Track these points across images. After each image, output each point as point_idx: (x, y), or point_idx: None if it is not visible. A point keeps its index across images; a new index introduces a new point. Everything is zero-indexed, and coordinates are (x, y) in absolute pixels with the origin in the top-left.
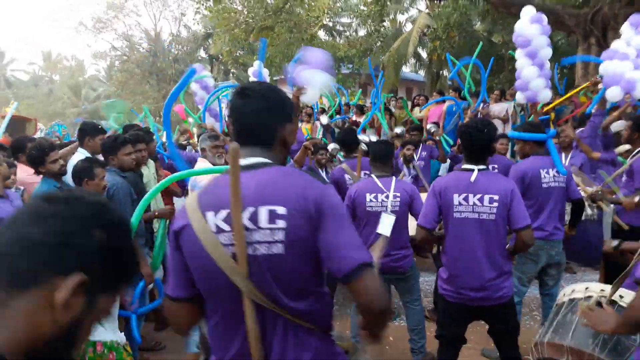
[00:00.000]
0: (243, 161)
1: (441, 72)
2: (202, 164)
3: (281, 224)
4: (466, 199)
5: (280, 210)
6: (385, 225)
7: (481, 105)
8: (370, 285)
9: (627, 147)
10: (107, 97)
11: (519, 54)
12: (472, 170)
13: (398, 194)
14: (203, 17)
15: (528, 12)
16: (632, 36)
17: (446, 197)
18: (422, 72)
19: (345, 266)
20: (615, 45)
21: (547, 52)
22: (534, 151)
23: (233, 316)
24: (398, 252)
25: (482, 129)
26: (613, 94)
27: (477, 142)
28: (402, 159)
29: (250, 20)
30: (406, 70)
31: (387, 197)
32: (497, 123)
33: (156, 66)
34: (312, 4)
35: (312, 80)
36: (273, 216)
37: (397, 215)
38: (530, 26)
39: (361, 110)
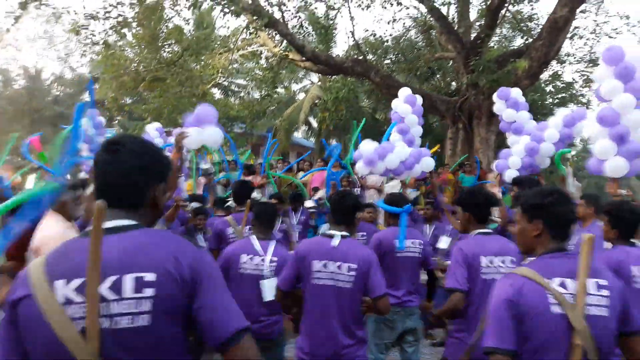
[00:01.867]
0: (106, 223)
1: (330, 140)
2: (51, 218)
3: (149, 292)
4: (325, 265)
5: (149, 277)
6: (269, 291)
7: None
8: (248, 353)
9: None
10: None
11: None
12: (334, 236)
13: (275, 259)
14: (91, 61)
15: (404, 92)
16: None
17: (306, 262)
18: (312, 139)
19: (222, 333)
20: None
21: (418, 130)
22: (393, 222)
23: None
24: (269, 318)
25: (346, 195)
26: None
27: (342, 206)
28: None
29: (142, 69)
30: (298, 135)
31: (263, 260)
32: (373, 192)
33: (31, 105)
34: (208, 61)
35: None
36: (140, 284)
37: None
38: (404, 105)
39: (249, 169)
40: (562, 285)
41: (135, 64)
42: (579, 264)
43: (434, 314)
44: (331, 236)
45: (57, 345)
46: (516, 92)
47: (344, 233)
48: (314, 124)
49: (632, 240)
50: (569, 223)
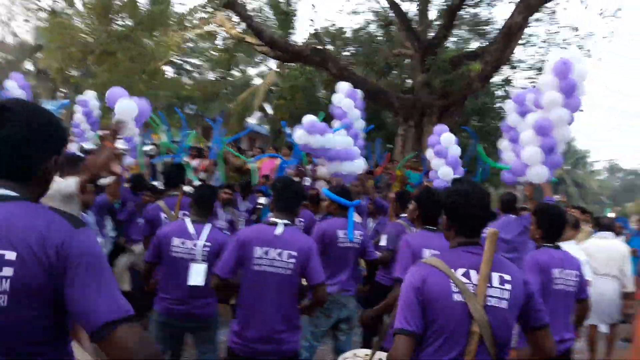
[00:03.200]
0: None
1: (284, 128)
2: None
3: (8, 271)
4: (267, 252)
5: (9, 255)
6: (196, 276)
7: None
8: (124, 340)
9: None
10: None
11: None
12: (277, 224)
13: (209, 244)
14: (36, 28)
15: (344, 87)
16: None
17: (248, 249)
18: (266, 126)
19: (91, 326)
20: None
21: (361, 124)
22: (338, 212)
23: None
24: (198, 300)
25: (291, 182)
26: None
27: (286, 195)
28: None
29: (91, 41)
30: (252, 121)
31: (195, 244)
32: (323, 183)
33: None
34: (162, 38)
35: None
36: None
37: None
38: (345, 100)
39: (198, 152)
40: (466, 275)
41: (84, 35)
42: (483, 256)
43: (369, 315)
44: (274, 224)
45: None
46: (530, 98)
47: (286, 221)
48: (269, 110)
49: (556, 243)
50: (471, 222)
